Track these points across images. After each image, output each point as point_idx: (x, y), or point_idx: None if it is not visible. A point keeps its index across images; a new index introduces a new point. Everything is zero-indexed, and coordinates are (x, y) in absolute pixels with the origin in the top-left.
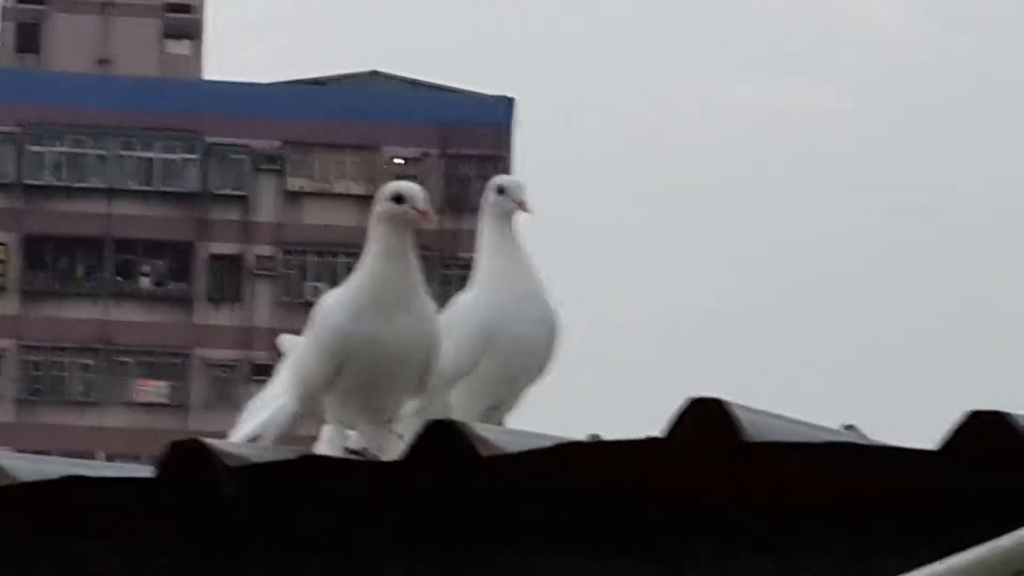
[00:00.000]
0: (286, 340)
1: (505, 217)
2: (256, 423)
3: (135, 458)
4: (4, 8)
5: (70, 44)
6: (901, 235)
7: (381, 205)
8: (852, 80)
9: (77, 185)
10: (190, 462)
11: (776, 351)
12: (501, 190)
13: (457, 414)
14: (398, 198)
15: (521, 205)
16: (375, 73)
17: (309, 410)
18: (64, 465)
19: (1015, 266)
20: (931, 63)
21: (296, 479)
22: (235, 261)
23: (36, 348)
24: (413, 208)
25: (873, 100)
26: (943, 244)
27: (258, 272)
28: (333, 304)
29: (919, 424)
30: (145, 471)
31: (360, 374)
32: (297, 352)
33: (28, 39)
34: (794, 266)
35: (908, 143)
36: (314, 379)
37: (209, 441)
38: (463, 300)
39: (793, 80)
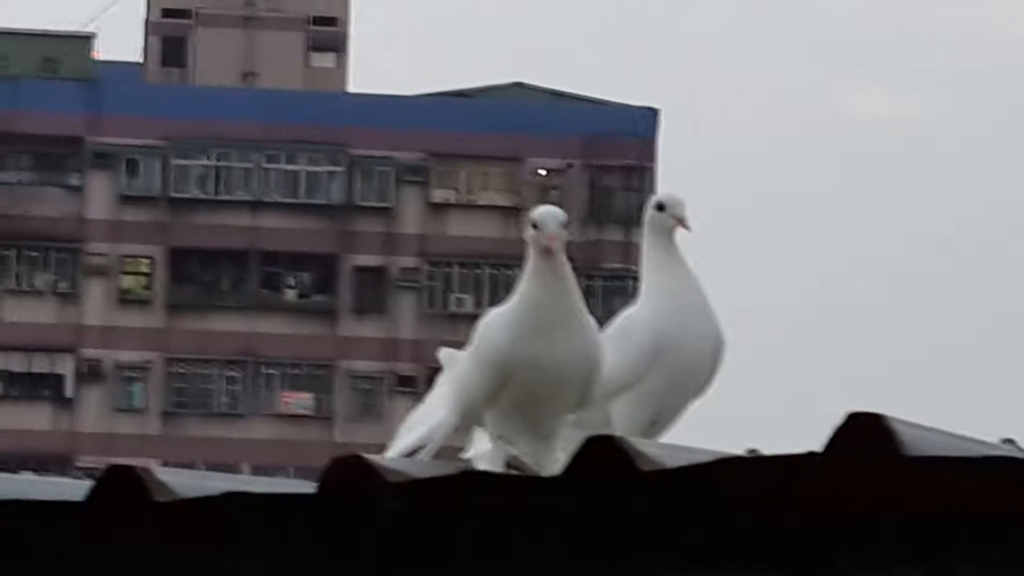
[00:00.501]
0: (445, 354)
1: (666, 233)
2: (416, 437)
3: (280, 470)
4: (150, 23)
5: (215, 58)
6: None
7: (526, 229)
8: (962, 86)
9: (222, 198)
10: (351, 477)
11: (925, 361)
12: (661, 207)
13: (618, 427)
14: (533, 224)
15: (681, 222)
16: (519, 85)
17: (469, 425)
18: (225, 481)
19: None
20: None
21: (457, 495)
22: (379, 273)
23: (181, 360)
24: (544, 235)
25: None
26: None
27: (402, 284)
28: (495, 323)
29: None
30: (306, 487)
31: (521, 394)
32: (458, 367)
33: (173, 53)
34: (937, 272)
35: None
36: (475, 396)
37: (370, 456)
38: (631, 313)
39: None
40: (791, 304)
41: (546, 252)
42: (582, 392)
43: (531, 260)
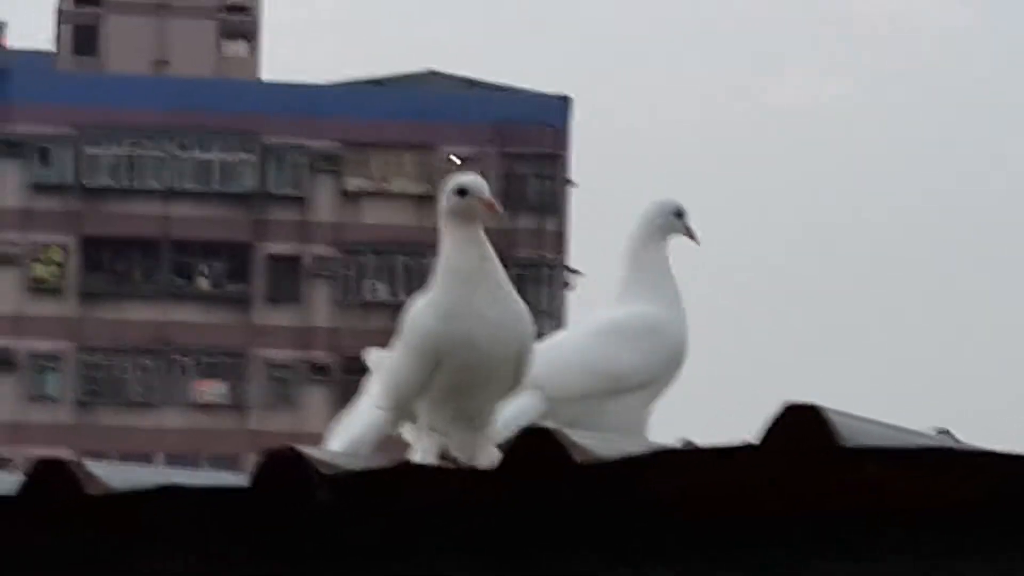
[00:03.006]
0: (372, 355)
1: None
2: (350, 435)
3: (194, 459)
4: (61, 11)
5: (126, 46)
6: (978, 233)
7: (446, 200)
8: (876, 75)
9: (134, 187)
10: (284, 470)
11: (859, 350)
12: (463, 191)
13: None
14: (462, 191)
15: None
16: (431, 72)
17: (402, 419)
18: (156, 474)
19: None
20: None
21: (391, 487)
22: (293, 261)
23: (95, 350)
24: (478, 199)
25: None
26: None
27: (316, 272)
28: (422, 307)
29: (1014, 427)
30: (238, 480)
31: (455, 377)
32: (388, 362)
33: (84, 41)
34: (865, 257)
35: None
36: (408, 385)
37: (304, 449)
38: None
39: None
40: (713, 292)
41: (488, 213)
42: (516, 370)
43: (450, 234)
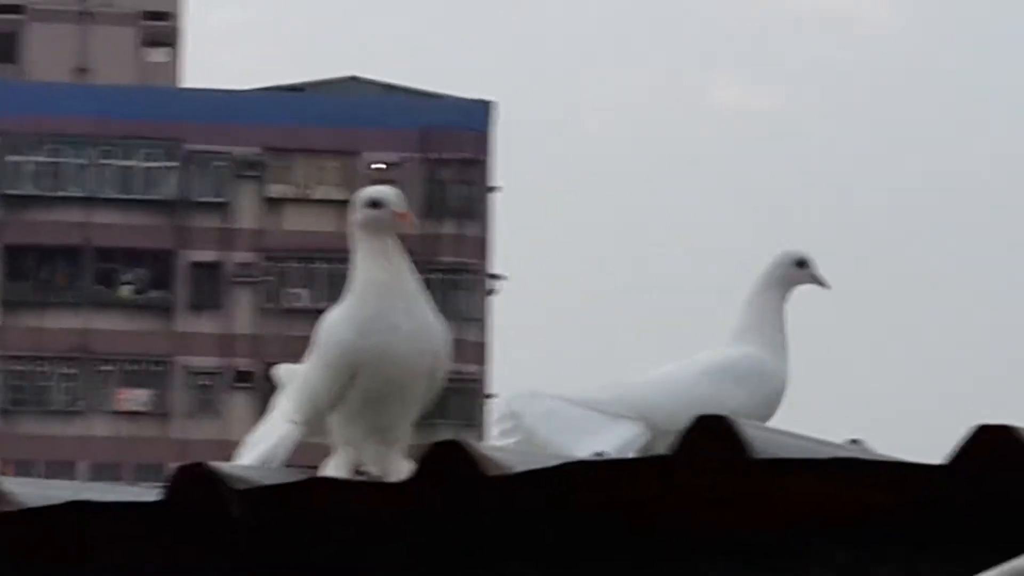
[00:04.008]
0: (283, 370)
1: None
2: (260, 452)
3: (119, 467)
4: None
5: (48, 53)
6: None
7: (358, 212)
8: (828, 80)
9: (56, 194)
10: (197, 485)
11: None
12: (376, 204)
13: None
14: (374, 203)
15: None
16: (354, 79)
17: (315, 433)
18: (70, 489)
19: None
20: (908, 57)
21: (303, 501)
22: (215, 268)
23: (17, 358)
24: (391, 211)
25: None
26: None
27: (238, 279)
28: (337, 320)
29: (926, 438)
30: (151, 495)
31: (370, 390)
32: (302, 375)
33: (5, 49)
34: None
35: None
36: (321, 398)
37: (216, 464)
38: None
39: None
40: (639, 295)
41: (397, 222)
42: (429, 384)
43: (364, 246)
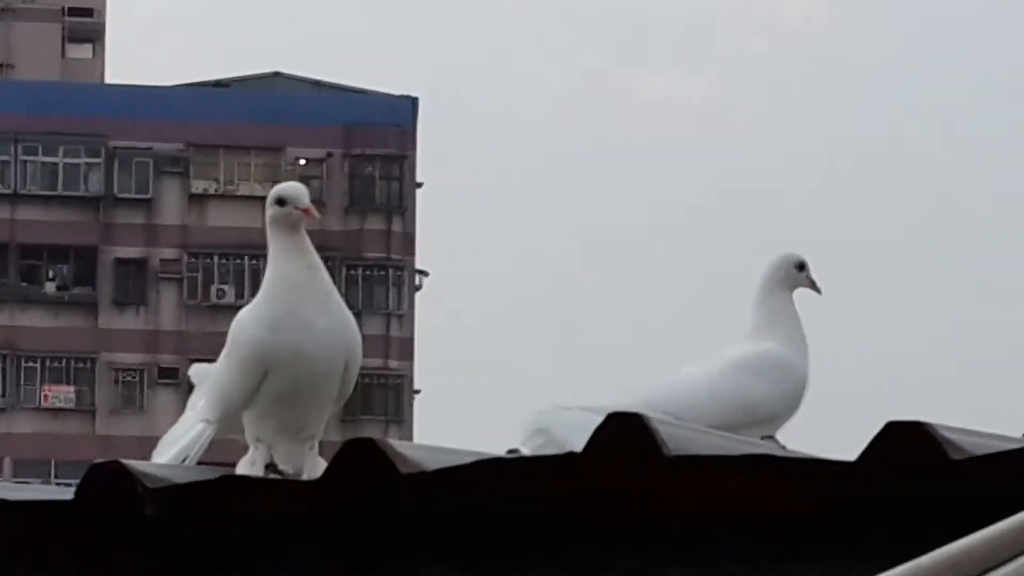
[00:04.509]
0: (195, 370)
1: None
2: (175, 451)
3: (44, 463)
4: None
5: None
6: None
7: (268, 210)
8: (757, 70)
9: None
10: (110, 483)
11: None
12: (282, 201)
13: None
14: (280, 200)
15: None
16: (278, 74)
17: (228, 431)
18: None
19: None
20: (839, 51)
21: (216, 500)
22: (140, 265)
23: None
24: (295, 208)
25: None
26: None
27: (163, 275)
28: (249, 318)
29: (841, 435)
30: (64, 493)
31: (282, 386)
32: (214, 373)
33: None
34: (732, 256)
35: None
36: (234, 396)
37: (129, 462)
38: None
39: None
40: (569, 291)
41: (301, 218)
42: (343, 382)
43: (276, 243)
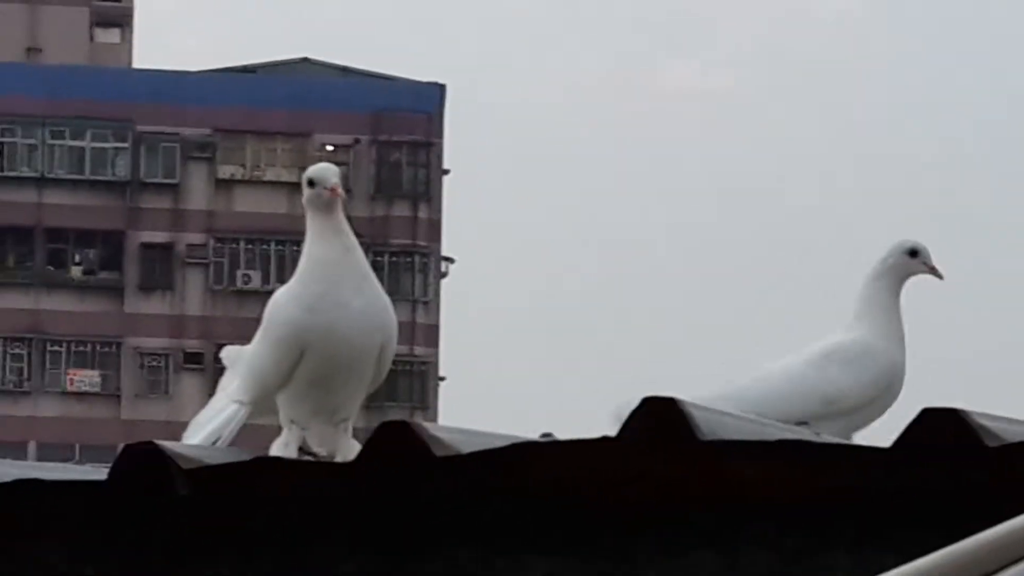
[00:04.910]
0: (229, 351)
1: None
2: (208, 430)
3: (68, 447)
4: None
5: None
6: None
7: (304, 192)
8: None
9: (7, 174)
10: (144, 464)
11: (729, 344)
12: (312, 182)
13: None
14: (310, 182)
15: (333, 190)
16: (306, 60)
17: (261, 413)
18: (16, 467)
19: None
20: (854, 47)
21: (250, 481)
22: (166, 249)
23: None
24: (324, 188)
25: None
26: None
27: (189, 260)
28: (285, 298)
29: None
30: (98, 473)
31: (317, 368)
32: (249, 354)
33: None
34: (748, 243)
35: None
36: (269, 377)
37: (163, 443)
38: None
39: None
40: (594, 280)
41: (330, 199)
42: (378, 363)
43: (311, 225)
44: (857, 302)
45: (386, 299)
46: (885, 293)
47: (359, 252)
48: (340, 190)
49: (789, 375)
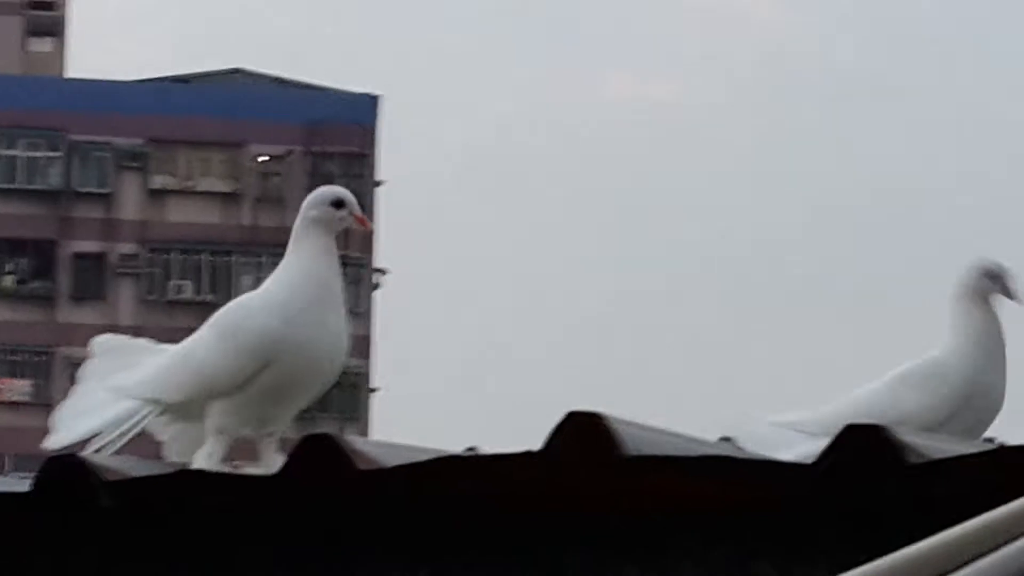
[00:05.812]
0: (106, 340)
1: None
2: (98, 422)
3: (0, 457)
4: None
5: None
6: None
7: (318, 209)
8: (727, 72)
9: None
10: (67, 475)
11: (662, 360)
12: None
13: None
14: (338, 203)
15: (359, 221)
16: (239, 71)
17: (178, 418)
18: None
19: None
20: (806, 53)
21: (174, 493)
22: (98, 259)
23: None
24: (350, 214)
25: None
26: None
27: (121, 270)
28: (258, 306)
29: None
30: (20, 485)
31: (278, 380)
32: (190, 355)
33: None
34: (689, 261)
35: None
36: (221, 383)
37: (87, 455)
38: None
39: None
40: (528, 292)
41: (358, 227)
42: (332, 380)
43: (309, 242)
44: (948, 323)
45: (347, 324)
46: (967, 312)
47: (340, 276)
48: (368, 221)
49: (867, 398)
